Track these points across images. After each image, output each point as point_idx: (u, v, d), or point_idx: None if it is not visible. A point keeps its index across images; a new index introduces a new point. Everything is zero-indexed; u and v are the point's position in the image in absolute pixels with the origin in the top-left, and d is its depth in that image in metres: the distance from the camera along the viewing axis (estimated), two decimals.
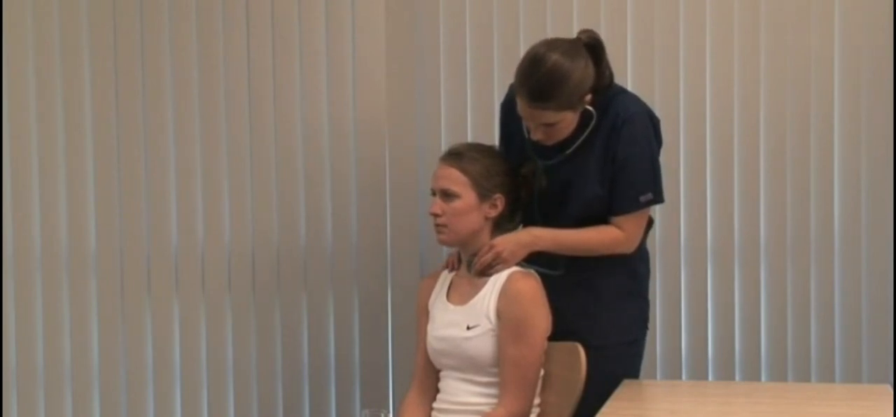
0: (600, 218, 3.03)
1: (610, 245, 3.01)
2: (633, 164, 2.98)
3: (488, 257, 2.98)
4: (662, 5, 3.56)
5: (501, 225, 3.07)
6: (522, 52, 3.16)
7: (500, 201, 3.04)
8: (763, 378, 3.61)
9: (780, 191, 3.57)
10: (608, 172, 2.99)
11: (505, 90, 3.20)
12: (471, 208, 3.01)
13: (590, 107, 2.96)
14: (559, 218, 3.03)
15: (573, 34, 3.00)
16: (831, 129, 3.54)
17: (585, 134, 2.98)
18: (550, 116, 2.91)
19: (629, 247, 3.03)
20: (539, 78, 2.87)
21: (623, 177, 2.98)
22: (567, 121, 2.94)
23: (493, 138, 3.40)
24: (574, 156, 3.01)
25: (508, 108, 3.13)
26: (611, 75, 3.01)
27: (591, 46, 2.94)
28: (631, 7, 3.57)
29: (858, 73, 3.52)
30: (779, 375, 3.60)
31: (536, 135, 2.96)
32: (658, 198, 3.04)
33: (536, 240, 3.01)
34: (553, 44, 2.92)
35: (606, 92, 3.00)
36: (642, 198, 3.00)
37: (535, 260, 3.04)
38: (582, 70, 2.89)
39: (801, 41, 3.53)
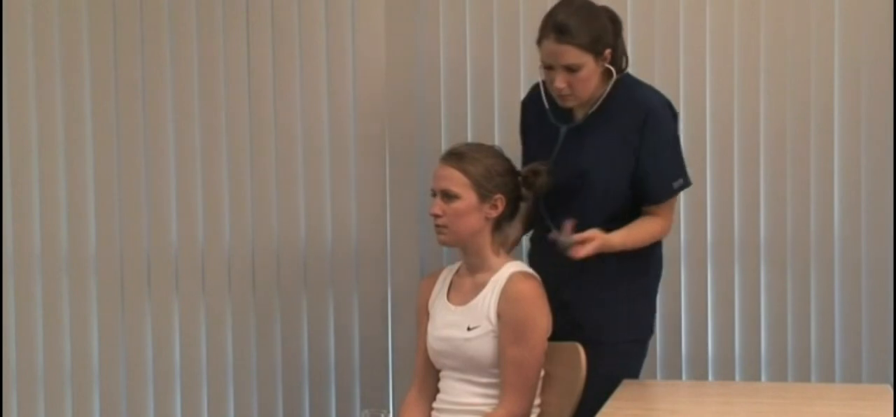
0: (613, 211, 3.04)
1: (658, 234, 3.11)
2: (663, 154, 3.06)
3: (589, 248, 2.92)
4: (662, 5, 3.56)
5: (501, 225, 3.07)
6: (523, 52, 3.17)
7: (500, 202, 3.03)
8: (763, 378, 3.60)
9: (780, 191, 3.56)
10: (630, 162, 3.03)
11: (505, 90, 3.21)
12: (471, 209, 3.01)
13: (610, 67, 3.01)
14: (571, 210, 3.01)
15: None
16: (831, 129, 3.54)
17: (607, 89, 3.03)
18: (573, 55, 2.95)
19: (668, 233, 3.13)
20: (567, 13, 2.95)
21: (654, 167, 3.04)
22: (589, 69, 2.97)
23: (494, 138, 3.40)
24: (595, 125, 3.04)
25: (528, 103, 3.20)
26: (626, 58, 3.09)
27: (612, 18, 3.04)
28: (631, 6, 3.56)
29: (858, 73, 3.51)
30: (779, 375, 3.59)
31: (559, 84, 2.98)
32: (687, 182, 3.12)
33: (607, 243, 2.98)
34: None
35: (622, 80, 3.05)
36: (675, 184, 3.09)
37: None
38: (605, 20, 3.00)
39: (801, 41, 3.53)
